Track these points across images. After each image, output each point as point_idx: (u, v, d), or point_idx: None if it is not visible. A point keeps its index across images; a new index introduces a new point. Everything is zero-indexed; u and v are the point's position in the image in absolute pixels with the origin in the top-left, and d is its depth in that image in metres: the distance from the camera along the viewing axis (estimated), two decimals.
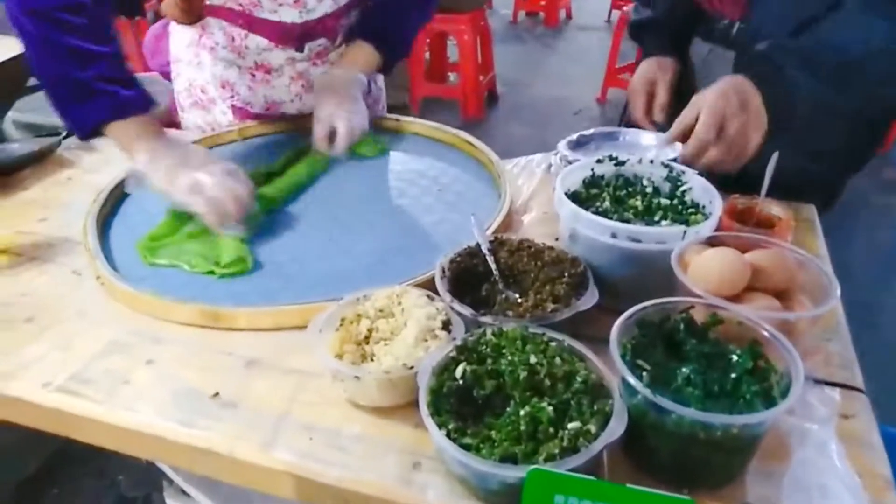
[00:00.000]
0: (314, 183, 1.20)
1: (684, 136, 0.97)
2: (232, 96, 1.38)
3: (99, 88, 1.01)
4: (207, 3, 1.26)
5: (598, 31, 6.52)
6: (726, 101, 0.93)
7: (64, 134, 1.43)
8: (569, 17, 6.80)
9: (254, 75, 1.35)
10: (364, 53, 1.31)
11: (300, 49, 1.31)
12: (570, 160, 1.06)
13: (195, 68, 1.39)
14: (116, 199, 1.16)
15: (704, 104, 0.94)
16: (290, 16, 1.24)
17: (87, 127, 1.04)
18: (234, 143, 1.37)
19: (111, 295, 0.93)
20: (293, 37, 1.29)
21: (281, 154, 1.24)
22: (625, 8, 4.80)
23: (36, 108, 1.93)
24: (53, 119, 1.53)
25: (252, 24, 1.26)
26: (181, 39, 1.40)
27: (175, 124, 1.57)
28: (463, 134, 1.32)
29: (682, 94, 1.24)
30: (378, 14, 1.33)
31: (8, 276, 0.98)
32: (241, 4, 1.23)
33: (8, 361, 0.82)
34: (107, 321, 0.88)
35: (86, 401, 0.76)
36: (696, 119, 0.94)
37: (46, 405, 0.76)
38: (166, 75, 1.59)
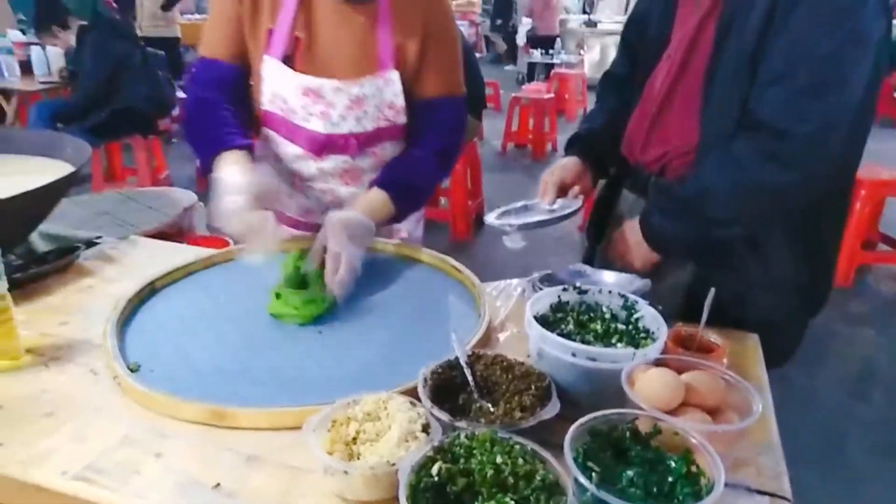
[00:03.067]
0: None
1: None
2: None
3: (214, 134, 1.37)
4: (261, 108, 1.49)
5: None
6: (622, 237, 1.40)
7: (84, 247, 1.57)
8: (554, 149, 7.28)
9: (293, 183, 1.56)
10: (379, 202, 1.41)
11: (322, 156, 1.50)
12: (541, 287, 1.21)
13: None
14: (133, 307, 1.28)
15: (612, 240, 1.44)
16: (317, 125, 1.46)
17: (207, 166, 1.37)
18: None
19: (126, 393, 1.03)
20: (319, 145, 1.48)
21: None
22: None
23: (58, 218, 2.08)
24: (75, 231, 1.70)
25: (288, 130, 1.49)
26: None
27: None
28: (449, 259, 1.48)
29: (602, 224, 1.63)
30: (400, 166, 1.49)
31: (31, 374, 1.09)
32: (281, 109, 1.46)
33: (29, 452, 0.90)
34: (121, 417, 0.98)
35: (100, 488, 0.84)
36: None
37: (64, 492, 0.85)
38: None
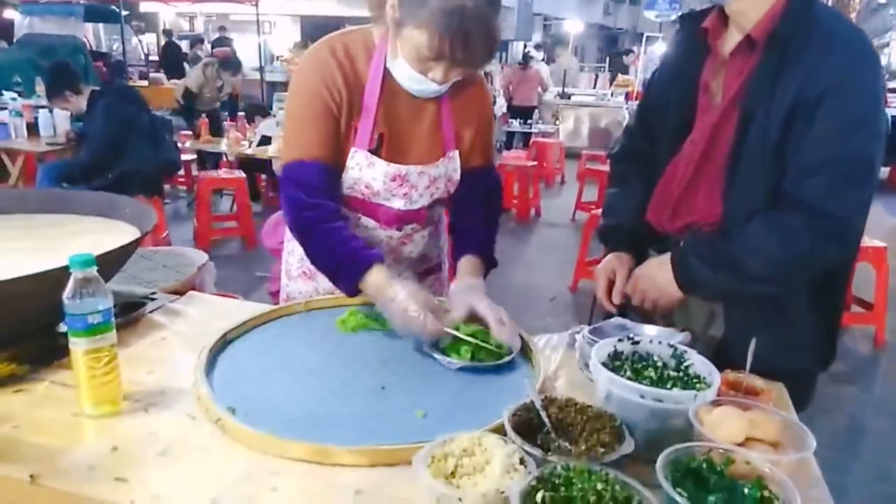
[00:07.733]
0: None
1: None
2: None
3: (348, 260, 1.49)
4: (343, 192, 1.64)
5: (565, 227, 7.24)
6: (642, 275, 1.54)
7: (149, 303, 1.66)
8: (538, 214, 7.54)
9: None
10: (479, 267, 1.66)
11: (399, 229, 1.70)
12: (594, 339, 1.34)
13: None
14: (212, 357, 1.37)
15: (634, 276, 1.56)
16: (398, 204, 1.64)
17: (351, 291, 1.50)
18: (298, 313, 1.62)
19: (230, 435, 1.11)
20: (396, 219, 1.67)
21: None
22: (593, 210, 5.43)
23: (121, 279, 2.16)
24: (128, 287, 1.79)
25: (367, 208, 1.66)
26: None
27: (274, 293, 1.96)
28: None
29: None
30: (474, 236, 1.70)
31: (133, 419, 1.17)
32: (363, 193, 1.63)
33: (155, 487, 0.99)
34: (228, 456, 1.07)
35: None
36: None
37: None
38: (276, 252, 2.02)
